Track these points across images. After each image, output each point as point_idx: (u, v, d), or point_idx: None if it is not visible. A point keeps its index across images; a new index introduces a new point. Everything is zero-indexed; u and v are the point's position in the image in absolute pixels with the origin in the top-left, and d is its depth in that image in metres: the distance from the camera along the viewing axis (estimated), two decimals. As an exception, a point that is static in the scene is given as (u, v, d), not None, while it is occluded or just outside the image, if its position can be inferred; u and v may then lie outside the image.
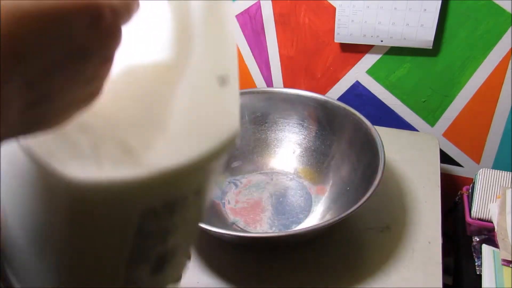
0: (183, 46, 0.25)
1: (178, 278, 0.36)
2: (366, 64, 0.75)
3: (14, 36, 0.14)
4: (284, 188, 0.66)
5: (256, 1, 0.76)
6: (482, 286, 0.54)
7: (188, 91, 0.25)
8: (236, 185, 0.66)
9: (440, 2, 0.63)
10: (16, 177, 0.24)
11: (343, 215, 0.47)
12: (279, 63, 0.81)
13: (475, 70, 0.68)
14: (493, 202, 0.62)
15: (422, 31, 0.66)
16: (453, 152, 0.78)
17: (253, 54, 0.82)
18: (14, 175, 0.24)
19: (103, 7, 0.16)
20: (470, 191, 0.68)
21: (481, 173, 0.65)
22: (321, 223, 0.47)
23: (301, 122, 0.68)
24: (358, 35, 0.70)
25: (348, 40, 0.71)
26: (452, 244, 0.70)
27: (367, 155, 0.57)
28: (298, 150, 0.69)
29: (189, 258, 0.36)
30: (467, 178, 0.79)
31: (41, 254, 0.26)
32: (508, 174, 0.65)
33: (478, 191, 0.64)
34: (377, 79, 0.76)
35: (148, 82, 0.24)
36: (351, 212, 0.47)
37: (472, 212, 0.63)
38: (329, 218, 0.55)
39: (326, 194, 0.63)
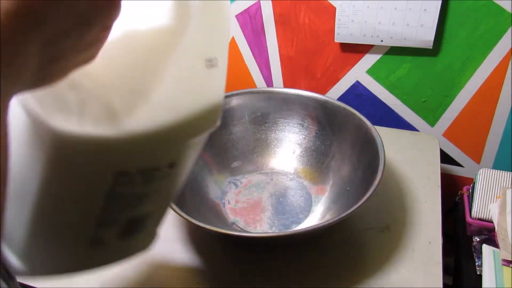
0: (179, 23, 0.27)
1: (144, 249, 0.37)
2: (366, 64, 0.75)
3: (33, 5, 0.17)
4: (284, 188, 0.66)
5: (256, 1, 0.76)
6: (482, 286, 0.54)
7: (177, 66, 0.27)
8: (236, 185, 0.66)
9: (440, 2, 0.63)
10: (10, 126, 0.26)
11: (343, 215, 0.47)
12: (279, 63, 0.81)
13: (475, 70, 0.68)
14: (493, 202, 0.62)
15: (422, 31, 0.66)
16: (453, 152, 0.78)
17: (253, 54, 0.82)
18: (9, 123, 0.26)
19: None
20: (470, 191, 0.68)
21: (481, 173, 0.65)
22: (321, 223, 0.47)
23: (301, 122, 0.68)
24: (358, 35, 0.70)
25: (348, 40, 0.71)
26: (452, 244, 0.70)
27: (367, 155, 0.57)
28: (298, 150, 0.69)
29: (157, 233, 0.38)
30: (467, 178, 0.79)
31: (22, 202, 0.28)
32: (508, 174, 0.65)
33: (478, 191, 0.64)
34: (377, 79, 0.76)
35: (141, 52, 0.26)
36: (351, 212, 0.47)
37: (472, 212, 0.63)
38: (329, 218, 0.55)
39: (326, 194, 0.63)
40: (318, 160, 0.66)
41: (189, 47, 0.27)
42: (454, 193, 0.72)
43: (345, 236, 0.56)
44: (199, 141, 0.32)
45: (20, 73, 0.18)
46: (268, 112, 0.69)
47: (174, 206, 0.48)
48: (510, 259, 0.55)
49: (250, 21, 0.78)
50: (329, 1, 0.70)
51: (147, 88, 0.26)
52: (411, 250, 0.54)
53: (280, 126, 0.70)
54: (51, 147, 0.24)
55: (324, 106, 0.66)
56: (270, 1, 0.75)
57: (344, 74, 0.78)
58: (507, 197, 0.61)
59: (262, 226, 0.59)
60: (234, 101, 0.68)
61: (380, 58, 0.73)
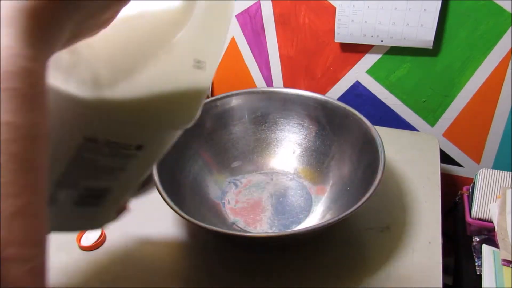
0: (182, 17, 0.29)
1: (96, 227, 0.39)
2: (366, 64, 0.75)
3: None
4: (284, 188, 0.66)
5: (256, 1, 0.76)
6: (482, 286, 0.54)
7: (168, 56, 0.29)
8: (236, 185, 0.66)
9: (440, 2, 0.63)
10: None
11: (343, 215, 0.47)
12: (279, 63, 0.81)
13: (475, 70, 0.68)
14: (493, 202, 0.62)
15: (422, 31, 0.66)
16: (453, 152, 0.78)
17: (253, 54, 0.82)
18: None
19: None
20: (470, 191, 0.68)
21: (481, 173, 0.65)
22: (321, 223, 0.47)
23: (301, 122, 0.68)
24: (358, 35, 0.70)
25: (348, 40, 0.71)
26: (452, 244, 0.70)
27: (367, 155, 0.57)
28: (298, 150, 0.69)
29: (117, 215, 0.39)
30: (467, 178, 0.79)
31: None
32: (508, 174, 0.65)
33: (478, 191, 0.64)
34: (377, 79, 0.76)
35: (141, 34, 0.29)
36: (351, 212, 0.47)
37: (472, 212, 0.63)
38: (329, 218, 0.55)
39: (326, 194, 0.63)
40: (318, 160, 0.66)
41: (185, 42, 0.29)
42: (454, 193, 0.72)
43: (345, 236, 0.56)
44: (171, 134, 0.34)
45: (59, 43, 0.23)
46: (268, 112, 0.69)
47: (174, 206, 0.48)
48: (510, 259, 0.55)
49: (250, 21, 0.78)
50: (329, 1, 0.70)
51: (134, 68, 0.28)
52: (411, 250, 0.54)
53: (280, 126, 0.70)
54: None
55: (324, 106, 0.66)
56: (270, 1, 0.75)
57: (344, 74, 0.78)
58: (507, 197, 0.61)
59: (262, 226, 0.59)
60: (234, 101, 0.68)
61: (380, 58, 0.73)
